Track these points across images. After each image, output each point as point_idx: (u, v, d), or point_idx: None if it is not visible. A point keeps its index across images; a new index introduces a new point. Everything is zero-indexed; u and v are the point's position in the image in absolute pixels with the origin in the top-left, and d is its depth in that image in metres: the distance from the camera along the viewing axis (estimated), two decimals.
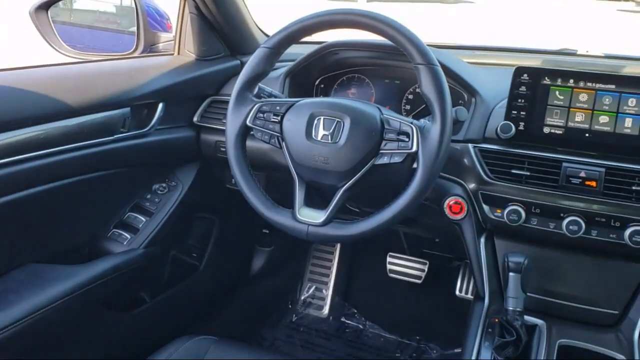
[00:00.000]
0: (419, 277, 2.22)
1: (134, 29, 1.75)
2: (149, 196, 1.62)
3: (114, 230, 1.55)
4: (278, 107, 1.19)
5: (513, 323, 1.18)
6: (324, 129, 1.14)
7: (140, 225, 1.57)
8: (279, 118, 1.18)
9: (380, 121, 1.12)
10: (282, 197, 1.27)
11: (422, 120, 1.12)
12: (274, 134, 1.19)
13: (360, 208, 1.52)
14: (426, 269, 2.20)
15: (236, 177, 1.21)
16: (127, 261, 1.49)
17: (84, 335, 1.50)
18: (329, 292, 2.40)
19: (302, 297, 2.42)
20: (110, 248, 1.53)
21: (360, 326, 2.32)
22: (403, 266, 2.24)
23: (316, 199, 1.26)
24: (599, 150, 1.23)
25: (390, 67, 1.51)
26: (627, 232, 1.18)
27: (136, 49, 1.75)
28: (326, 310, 2.38)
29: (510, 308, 1.18)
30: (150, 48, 1.80)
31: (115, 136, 1.42)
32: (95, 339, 1.54)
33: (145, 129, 1.50)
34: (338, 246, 2.46)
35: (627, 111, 1.21)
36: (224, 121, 1.24)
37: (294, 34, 1.19)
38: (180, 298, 1.82)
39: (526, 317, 1.21)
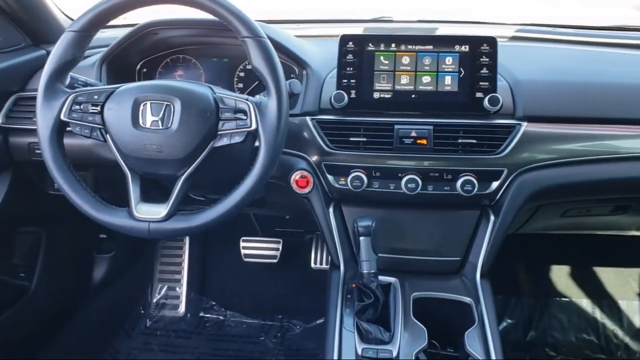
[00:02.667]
0: (274, 257, 2.21)
1: None
2: None
3: None
4: (96, 96, 1.07)
5: (369, 285, 1.20)
6: (152, 114, 1.05)
7: None
8: (98, 108, 1.07)
9: (214, 100, 1.07)
10: (116, 195, 1.17)
11: (257, 97, 1.09)
12: (95, 127, 1.07)
13: (205, 196, 1.45)
14: (280, 247, 2.20)
15: (57, 180, 1.08)
16: None
17: None
18: (183, 289, 2.30)
19: (155, 300, 2.29)
20: None
21: (221, 317, 2.26)
22: (257, 248, 2.22)
23: (155, 192, 1.18)
24: (426, 110, 1.29)
25: (217, 45, 1.45)
26: (459, 182, 1.27)
27: None
28: (182, 308, 2.28)
29: (365, 271, 1.20)
30: None
31: None
32: None
33: None
34: (187, 240, 2.35)
35: (446, 69, 1.28)
36: (35, 119, 1.10)
37: (104, 14, 1.08)
38: (12, 325, 1.61)
39: (380, 277, 1.24)
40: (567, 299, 2.22)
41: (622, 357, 2.07)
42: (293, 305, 2.25)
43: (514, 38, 1.64)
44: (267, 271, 2.30)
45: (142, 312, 2.26)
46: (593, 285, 2.23)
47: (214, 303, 2.29)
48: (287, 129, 1.08)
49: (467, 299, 1.28)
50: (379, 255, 1.22)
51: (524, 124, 1.28)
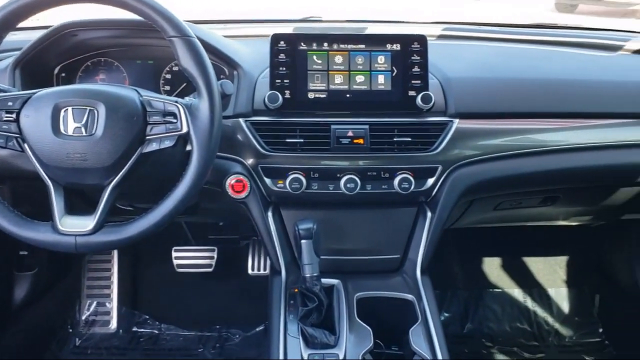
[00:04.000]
0: (209, 266, 2.14)
1: None
2: None
3: None
4: (10, 103, 1.00)
5: (312, 289, 1.18)
6: (74, 120, 0.99)
7: None
8: (13, 115, 0.99)
9: (141, 104, 1.02)
10: (38, 209, 1.09)
11: (187, 98, 1.05)
12: (10, 136, 0.99)
13: (133, 205, 1.38)
14: (215, 256, 2.13)
15: None
16: None
17: None
18: (113, 304, 2.19)
19: (84, 317, 2.17)
20: None
21: (155, 331, 2.17)
22: (191, 258, 2.14)
23: (80, 204, 1.10)
24: (361, 109, 1.28)
25: (141, 47, 1.38)
26: (396, 180, 1.27)
27: None
28: (114, 324, 2.17)
29: (308, 275, 1.18)
30: None
31: None
32: None
33: None
34: (115, 252, 2.24)
35: (378, 68, 1.28)
36: None
37: (13, 15, 1.01)
38: None
39: (323, 280, 1.23)
40: (500, 290, 2.29)
41: (554, 343, 2.16)
42: (231, 314, 2.19)
43: (441, 37, 1.67)
44: (203, 281, 2.22)
45: (71, 330, 2.13)
46: (523, 275, 2.32)
47: (147, 317, 2.20)
48: (221, 132, 1.04)
49: (409, 296, 1.28)
50: (321, 257, 1.20)
51: (456, 120, 1.30)
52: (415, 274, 1.34)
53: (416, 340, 1.17)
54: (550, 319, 2.23)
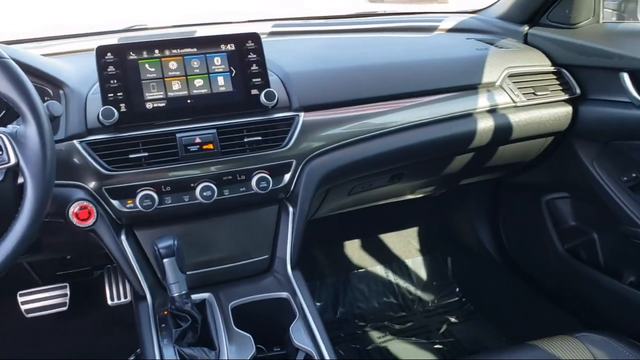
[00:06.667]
0: (63, 304, 1.95)
1: None
2: None
3: None
4: None
5: (183, 308, 1.12)
6: None
7: None
8: None
9: None
10: None
11: (9, 127, 0.94)
12: None
13: None
14: (68, 292, 1.95)
15: None
16: None
17: None
18: None
19: None
20: None
21: None
22: (41, 300, 1.93)
23: None
24: (206, 113, 1.24)
25: None
26: (253, 181, 1.25)
27: None
28: None
29: (175, 294, 1.12)
30: None
31: None
32: None
33: None
34: None
35: (216, 70, 1.25)
36: None
37: None
38: None
39: (193, 296, 1.18)
40: (363, 270, 2.39)
41: (419, 310, 2.31)
42: (96, 351, 2.03)
43: (272, 34, 1.69)
44: (59, 322, 2.02)
45: None
46: (382, 252, 2.44)
47: None
48: (55, 157, 0.95)
49: (284, 294, 1.28)
50: (187, 273, 1.15)
51: (301, 114, 1.32)
52: (286, 271, 1.34)
53: (297, 336, 1.18)
54: (412, 288, 2.38)
